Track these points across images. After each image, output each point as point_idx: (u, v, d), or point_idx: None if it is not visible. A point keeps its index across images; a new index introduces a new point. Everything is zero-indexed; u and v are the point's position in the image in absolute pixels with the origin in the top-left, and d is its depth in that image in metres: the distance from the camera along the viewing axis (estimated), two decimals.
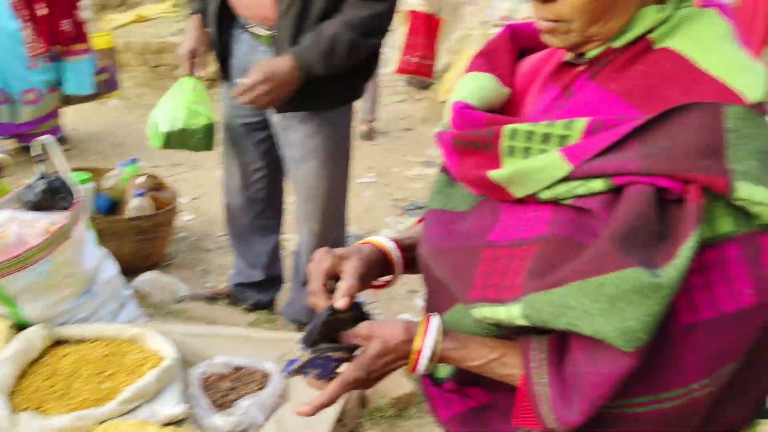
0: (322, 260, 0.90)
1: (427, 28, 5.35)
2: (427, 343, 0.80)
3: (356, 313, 0.85)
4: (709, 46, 0.72)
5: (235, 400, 1.73)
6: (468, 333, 0.82)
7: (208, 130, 2.19)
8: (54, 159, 1.98)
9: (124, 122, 4.72)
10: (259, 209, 2.43)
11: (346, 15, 1.95)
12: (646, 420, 0.71)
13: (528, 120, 0.78)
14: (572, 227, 0.72)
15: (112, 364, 1.79)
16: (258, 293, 2.57)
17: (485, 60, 0.89)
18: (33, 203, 1.95)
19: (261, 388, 1.77)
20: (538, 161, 0.73)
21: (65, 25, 3.75)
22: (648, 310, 0.65)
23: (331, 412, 1.75)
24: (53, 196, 1.98)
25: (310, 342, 0.83)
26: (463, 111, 0.82)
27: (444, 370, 0.91)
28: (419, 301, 2.96)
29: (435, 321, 0.82)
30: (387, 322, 0.83)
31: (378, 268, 0.94)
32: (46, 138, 2.01)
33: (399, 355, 0.82)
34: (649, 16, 0.74)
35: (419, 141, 4.85)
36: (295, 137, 2.15)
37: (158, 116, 2.18)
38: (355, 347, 0.84)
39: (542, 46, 0.86)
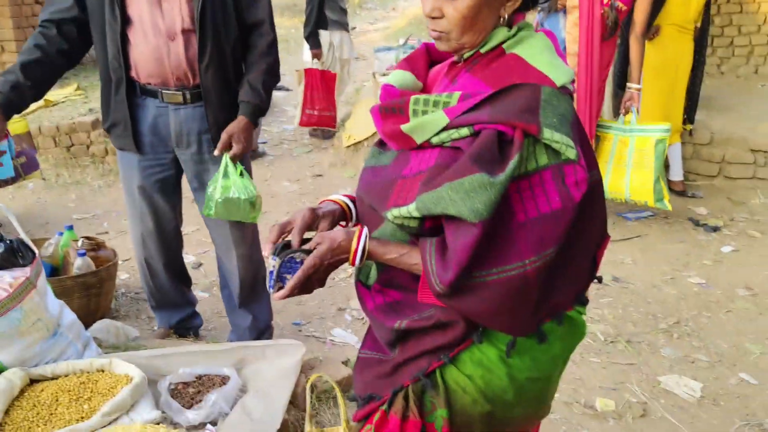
0: (305, 217, 1.29)
1: (322, 83, 5.84)
2: (361, 242, 1.21)
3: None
4: (536, 53, 1.15)
5: (202, 400, 2.03)
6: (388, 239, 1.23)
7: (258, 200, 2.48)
8: (12, 223, 2.25)
9: (45, 202, 4.88)
10: (173, 257, 2.73)
11: (259, 66, 2.41)
12: (497, 285, 1.11)
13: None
14: (450, 159, 1.14)
15: (88, 390, 2.04)
16: (197, 319, 2.92)
17: (407, 64, 1.34)
18: None
19: None
20: (430, 117, 1.16)
21: None
22: (488, 197, 1.05)
23: (284, 396, 2.07)
24: (14, 255, 2.24)
25: (277, 252, 1.22)
26: (387, 87, 1.28)
27: (372, 278, 1.33)
28: (347, 317, 3.32)
29: (365, 229, 1.22)
30: (334, 230, 1.24)
31: (340, 219, 1.37)
32: (2, 207, 2.29)
33: (342, 250, 1.21)
34: (501, 33, 1.17)
35: (331, 184, 5.27)
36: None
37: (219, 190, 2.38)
38: (311, 251, 1.22)
39: (445, 59, 1.31)
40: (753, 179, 4.87)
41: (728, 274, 3.72)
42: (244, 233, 2.61)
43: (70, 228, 3.20)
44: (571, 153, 1.10)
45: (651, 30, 4.63)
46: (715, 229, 4.31)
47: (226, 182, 2.38)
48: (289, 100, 7.89)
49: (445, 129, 1.15)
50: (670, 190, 4.87)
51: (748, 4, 6.67)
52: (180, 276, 2.82)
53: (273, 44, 2.46)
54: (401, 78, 1.30)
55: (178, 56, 2.30)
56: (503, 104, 1.11)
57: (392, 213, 1.16)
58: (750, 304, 3.40)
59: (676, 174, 4.88)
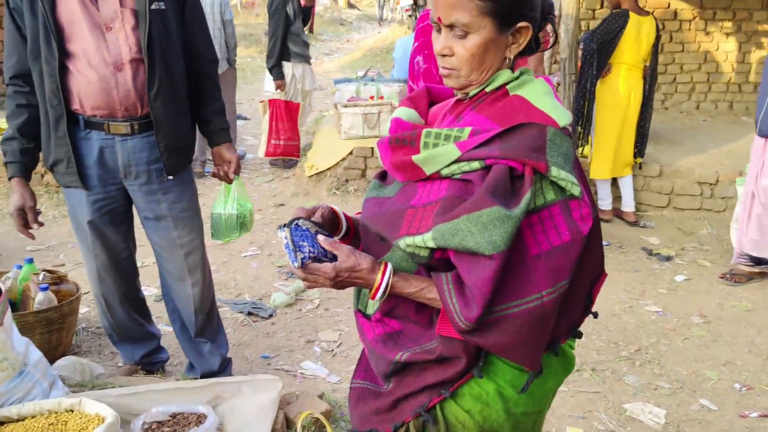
0: (301, 209, 1.36)
1: (287, 113, 5.86)
2: (385, 278, 1.23)
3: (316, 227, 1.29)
4: (539, 95, 1.21)
5: None
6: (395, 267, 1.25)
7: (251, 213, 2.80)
8: None
9: None
10: (130, 288, 2.68)
11: (217, 92, 2.59)
12: (518, 317, 1.15)
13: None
14: (461, 191, 1.19)
15: (57, 431, 1.98)
16: (163, 353, 2.87)
17: (410, 103, 1.39)
18: None
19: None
20: (442, 149, 1.20)
21: None
22: (505, 230, 1.11)
23: (265, 429, 2.05)
24: None
25: (285, 224, 1.25)
26: (398, 120, 1.33)
27: (371, 308, 1.34)
28: (317, 349, 3.31)
29: (389, 266, 1.24)
30: (363, 254, 1.26)
31: (331, 224, 1.40)
32: None
33: (362, 277, 1.24)
34: (506, 75, 1.23)
35: (292, 213, 5.24)
36: (165, 205, 2.46)
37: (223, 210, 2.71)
38: (319, 224, 1.30)
39: (443, 99, 1.37)
40: (700, 210, 5.10)
41: (682, 302, 3.86)
42: (201, 258, 2.62)
43: (30, 261, 3.10)
44: (575, 190, 1.18)
45: (604, 68, 4.84)
46: (668, 258, 4.48)
47: (240, 201, 2.70)
48: (247, 129, 7.86)
49: (455, 161, 1.19)
50: (622, 220, 5.06)
51: (689, 44, 7.04)
52: (139, 308, 2.77)
53: (217, 70, 2.62)
54: (407, 114, 1.35)
55: (127, 86, 2.29)
56: (513, 141, 1.17)
57: (405, 241, 1.20)
58: (704, 331, 3.54)
59: (628, 205, 5.07)
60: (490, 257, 1.11)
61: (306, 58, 6.00)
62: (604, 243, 4.57)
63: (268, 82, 6.05)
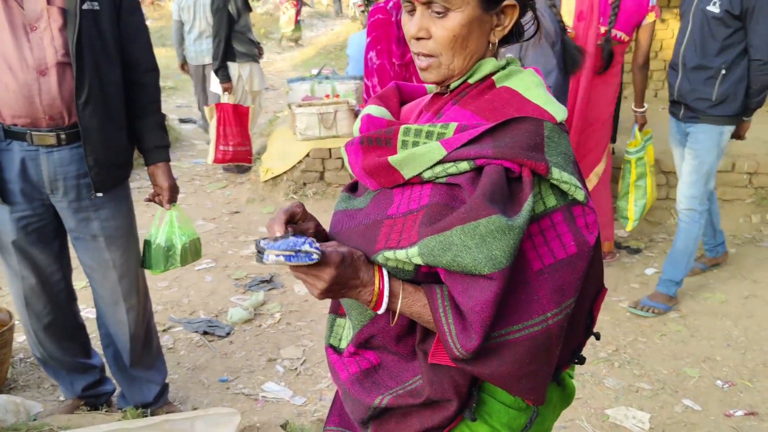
0: (294, 208, 1.11)
1: (235, 117, 5.59)
2: (384, 282, 1.01)
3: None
4: (531, 87, 1.05)
5: None
6: None
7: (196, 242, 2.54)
8: None
9: None
10: (63, 314, 2.40)
11: (156, 105, 2.35)
12: (521, 343, 0.97)
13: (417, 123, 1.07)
14: (447, 197, 1.00)
15: None
16: (108, 385, 2.61)
17: (379, 101, 1.19)
18: None
19: None
20: (423, 148, 1.01)
21: None
22: (507, 243, 0.93)
23: None
24: None
25: (259, 249, 0.98)
26: (370, 117, 1.12)
27: (345, 341, 1.15)
28: (279, 368, 3.08)
29: (384, 269, 1.02)
30: (359, 254, 1.02)
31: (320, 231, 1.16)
32: None
33: (362, 285, 1.00)
34: (490, 63, 1.06)
35: (249, 221, 5.00)
36: (96, 223, 2.23)
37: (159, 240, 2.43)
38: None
39: (416, 98, 1.20)
40: (666, 200, 5.03)
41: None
42: (137, 281, 2.39)
43: None
44: (579, 194, 1.00)
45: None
46: (637, 251, 4.39)
47: (181, 229, 2.44)
48: (198, 134, 7.55)
49: (440, 162, 1.00)
50: None
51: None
52: (75, 337, 2.49)
53: (158, 80, 2.39)
54: (380, 110, 1.16)
55: (51, 93, 2.05)
56: (506, 138, 0.98)
57: (384, 255, 1.00)
58: (681, 326, 3.43)
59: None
60: (490, 277, 0.92)
61: (253, 57, 5.73)
62: None
63: (215, 85, 5.76)
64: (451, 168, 1.00)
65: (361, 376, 1.13)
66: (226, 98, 5.63)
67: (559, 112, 1.04)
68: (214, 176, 6.09)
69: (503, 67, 1.08)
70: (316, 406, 2.77)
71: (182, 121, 8.06)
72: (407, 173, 1.03)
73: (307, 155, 5.26)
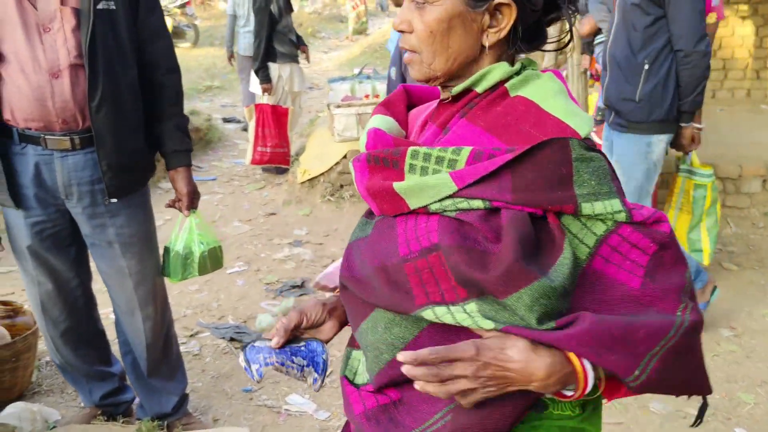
0: (308, 314, 1.13)
1: (274, 118, 5.54)
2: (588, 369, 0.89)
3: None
4: (549, 96, 0.93)
5: None
6: (385, 338, 0.96)
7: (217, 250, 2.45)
8: None
9: None
10: (80, 321, 2.35)
11: (178, 108, 2.26)
12: (668, 355, 0.87)
13: (424, 145, 0.96)
14: (458, 235, 0.89)
15: None
16: (127, 393, 2.55)
17: (385, 108, 1.08)
18: None
19: None
20: (432, 179, 0.90)
21: None
22: (555, 302, 0.86)
23: None
24: None
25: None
26: (377, 132, 1.00)
27: (360, 377, 1.05)
28: None
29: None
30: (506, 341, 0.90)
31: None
32: None
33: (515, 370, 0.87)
34: (501, 69, 0.94)
35: (285, 223, 4.94)
36: (111, 230, 2.16)
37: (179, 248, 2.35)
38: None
39: (425, 101, 1.09)
40: (724, 207, 4.73)
41: (709, 312, 3.50)
42: (154, 289, 2.31)
43: None
44: (621, 216, 0.89)
45: None
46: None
47: (200, 236, 2.36)
48: (240, 133, 7.55)
49: (450, 197, 0.90)
50: None
51: None
52: (93, 344, 2.43)
53: (180, 81, 2.30)
54: (386, 122, 1.05)
55: (64, 96, 1.99)
56: (528, 174, 0.88)
57: (434, 312, 0.90)
58: (735, 346, 3.19)
59: None
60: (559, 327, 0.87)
61: (294, 58, 5.67)
62: None
63: (255, 85, 5.72)
64: (462, 203, 0.90)
65: (378, 412, 1.01)
66: (265, 99, 5.58)
67: (582, 125, 0.91)
68: (253, 176, 6.05)
69: (518, 72, 0.95)
70: (340, 422, 2.66)
71: (226, 120, 8.08)
72: (413, 204, 0.93)
73: (344, 156, 5.16)
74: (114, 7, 2.01)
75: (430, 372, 0.84)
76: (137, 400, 2.52)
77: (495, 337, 0.87)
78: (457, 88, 0.96)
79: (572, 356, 0.86)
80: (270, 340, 1.10)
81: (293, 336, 1.12)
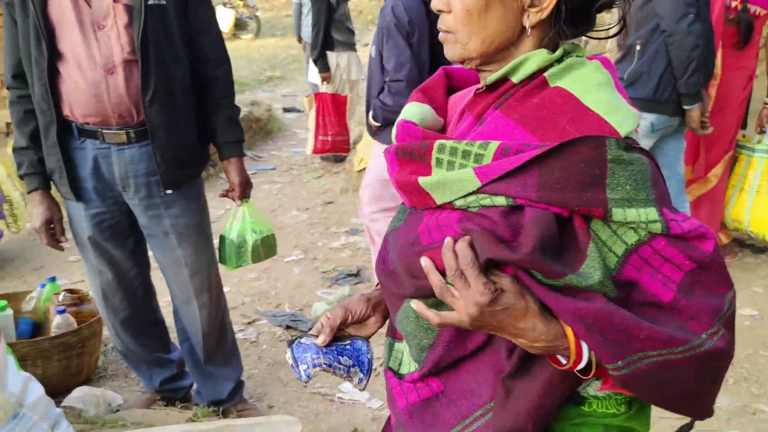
0: (353, 310, 1.12)
1: (334, 107, 5.56)
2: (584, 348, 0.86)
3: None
4: (591, 88, 0.87)
5: None
6: (420, 324, 0.95)
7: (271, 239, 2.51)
8: None
9: (40, 245, 4.64)
10: (140, 309, 2.43)
11: (230, 100, 2.28)
12: (682, 363, 0.83)
13: (452, 138, 0.94)
14: (480, 223, 0.86)
15: None
16: (186, 379, 2.62)
17: (423, 95, 1.05)
18: None
19: None
20: (456, 175, 0.87)
21: None
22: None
23: None
24: None
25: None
26: (405, 125, 0.98)
27: (405, 367, 1.04)
28: None
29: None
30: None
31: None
32: None
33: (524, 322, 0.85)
34: (539, 56, 0.89)
35: (342, 211, 4.97)
36: (167, 220, 2.22)
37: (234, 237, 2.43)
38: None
39: (466, 85, 1.05)
40: None
41: None
42: (209, 278, 2.35)
43: (53, 279, 2.93)
44: (656, 227, 0.83)
45: None
46: (764, 249, 3.91)
47: (253, 225, 2.42)
48: (300, 123, 7.63)
49: (473, 193, 0.87)
50: None
51: None
52: (151, 333, 2.52)
53: (231, 73, 2.31)
54: (419, 112, 1.02)
55: (119, 91, 2.04)
56: (557, 172, 0.83)
57: None
58: None
59: None
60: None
61: (351, 46, 5.67)
62: None
63: (313, 75, 5.75)
64: (485, 200, 0.86)
65: (420, 407, 1.00)
66: (324, 88, 5.61)
67: (624, 123, 0.85)
68: (311, 165, 6.11)
69: (560, 60, 0.90)
70: None
71: (286, 110, 8.18)
72: (438, 199, 0.91)
73: None
74: (164, 2, 2.05)
75: (440, 283, 0.86)
76: (195, 386, 2.59)
77: (514, 292, 0.84)
78: (492, 78, 0.92)
79: (568, 330, 0.84)
80: (316, 336, 1.10)
81: (339, 333, 1.12)
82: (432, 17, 3.00)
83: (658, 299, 0.84)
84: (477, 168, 0.86)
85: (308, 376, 1.06)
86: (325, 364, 1.07)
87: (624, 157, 0.83)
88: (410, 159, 0.93)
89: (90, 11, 2.00)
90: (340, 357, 1.10)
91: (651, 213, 0.83)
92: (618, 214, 0.82)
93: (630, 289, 0.86)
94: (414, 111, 1.02)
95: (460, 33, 0.91)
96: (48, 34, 1.99)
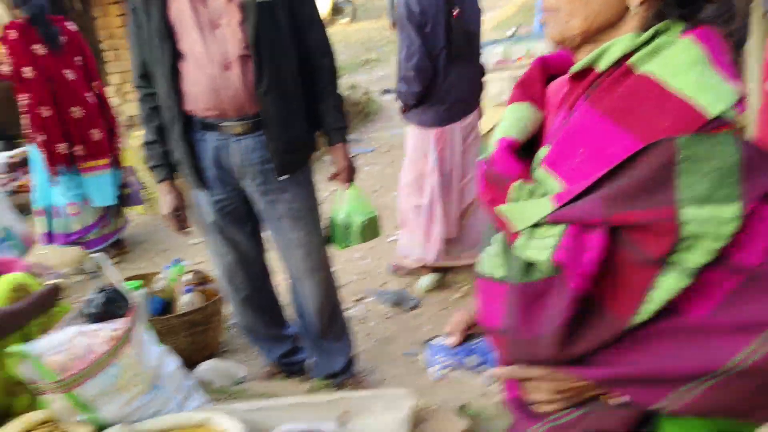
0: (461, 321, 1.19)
1: None
2: None
3: None
4: (680, 70, 0.83)
5: None
6: None
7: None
8: (107, 273, 2.19)
9: (165, 228, 4.96)
10: (259, 288, 2.62)
11: (334, 88, 2.37)
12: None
13: (545, 142, 0.98)
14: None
15: None
16: (301, 354, 2.77)
17: (522, 90, 1.05)
18: (94, 315, 2.14)
19: None
20: (531, 202, 0.91)
21: (78, 146, 4.00)
22: None
23: None
24: (111, 306, 2.18)
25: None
26: (503, 153, 0.99)
27: None
28: None
29: None
30: None
31: None
32: (99, 256, 2.25)
33: None
34: (622, 43, 0.88)
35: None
36: (281, 205, 2.35)
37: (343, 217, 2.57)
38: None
39: (565, 72, 1.02)
40: None
41: None
42: (319, 258, 2.49)
43: (178, 261, 3.17)
44: (727, 229, 0.80)
45: None
46: None
47: (359, 207, 2.55)
48: (397, 104, 7.67)
49: (546, 223, 0.91)
50: None
51: None
52: (268, 311, 2.71)
53: (335, 63, 2.42)
54: (520, 117, 1.03)
55: (235, 85, 2.17)
56: (625, 179, 0.83)
57: None
58: None
59: None
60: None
61: None
62: None
63: None
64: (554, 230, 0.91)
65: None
66: None
67: (715, 101, 0.80)
68: None
69: (647, 42, 0.87)
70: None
71: (383, 92, 8.26)
72: (513, 228, 0.95)
73: None
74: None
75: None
76: (310, 360, 2.74)
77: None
78: (576, 67, 0.93)
79: None
80: (448, 337, 1.18)
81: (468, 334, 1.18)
82: (449, 5, 2.99)
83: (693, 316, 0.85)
84: (552, 197, 0.89)
85: (440, 376, 1.15)
86: (454, 363, 1.15)
87: (700, 153, 0.79)
88: (495, 185, 0.98)
89: (206, 11, 2.13)
90: (469, 356, 1.17)
91: (730, 210, 0.78)
92: (688, 212, 0.79)
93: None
94: (515, 119, 1.03)
95: (562, 10, 0.90)
96: (169, 35, 2.15)
